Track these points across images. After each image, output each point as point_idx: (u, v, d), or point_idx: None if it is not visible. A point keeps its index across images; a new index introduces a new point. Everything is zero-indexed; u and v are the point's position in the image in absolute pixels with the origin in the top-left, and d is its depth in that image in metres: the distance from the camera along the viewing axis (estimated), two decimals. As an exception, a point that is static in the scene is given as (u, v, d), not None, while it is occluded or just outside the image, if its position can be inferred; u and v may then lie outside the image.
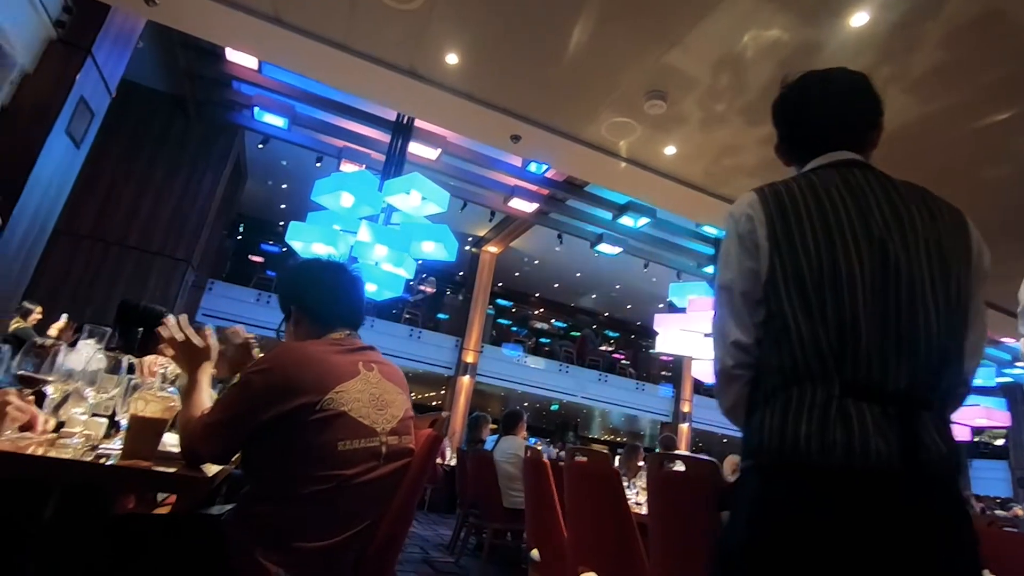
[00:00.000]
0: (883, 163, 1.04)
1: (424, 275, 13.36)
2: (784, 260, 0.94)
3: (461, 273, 14.14)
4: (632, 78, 2.90)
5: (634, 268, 11.19)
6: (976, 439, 13.22)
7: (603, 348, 16.54)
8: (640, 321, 16.44)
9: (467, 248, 12.69)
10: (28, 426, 1.28)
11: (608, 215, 9.26)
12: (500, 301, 15.91)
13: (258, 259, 13.36)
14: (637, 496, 3.33)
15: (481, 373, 12.30)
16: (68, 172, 4.26)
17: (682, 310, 6.30)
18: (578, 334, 16.47)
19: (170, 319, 1.52)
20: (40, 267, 4.31)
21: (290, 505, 1.20)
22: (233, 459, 1.32)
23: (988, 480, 13.39)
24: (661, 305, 10.94)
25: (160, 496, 2.07)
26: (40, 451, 1.16)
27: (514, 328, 15.92)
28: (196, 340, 1.49)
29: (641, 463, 5.13)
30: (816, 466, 0.85)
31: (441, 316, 13.99)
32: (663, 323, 6.29)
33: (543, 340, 15.91)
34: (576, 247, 10.65)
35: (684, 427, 13.77)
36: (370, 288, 5.06)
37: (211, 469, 1.26)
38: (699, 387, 13.71)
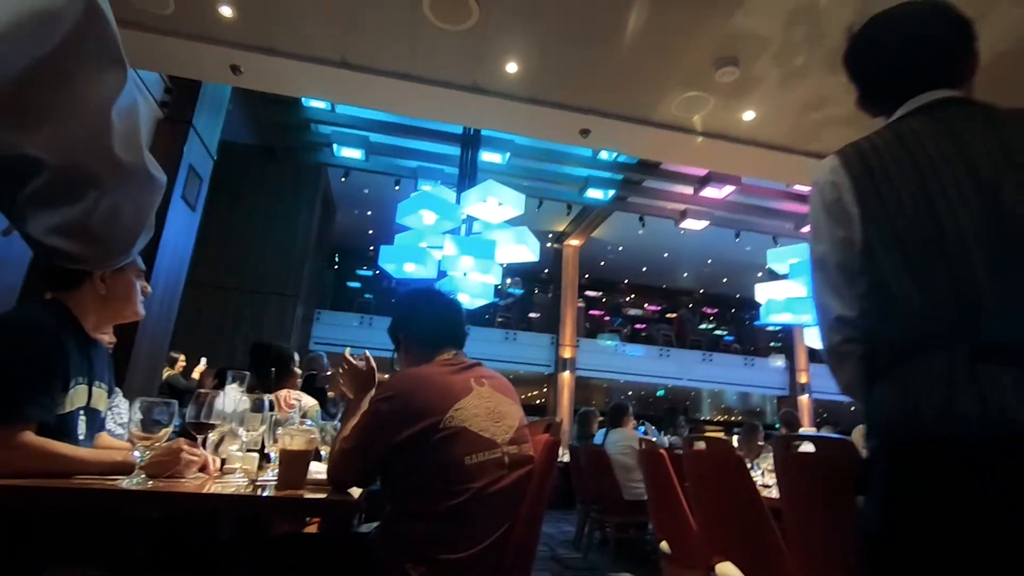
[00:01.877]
0: (1000, 87, 0.92)
1: (511, 278, 13.55)
2: (879, 224, 0.86)
3: (546, 270, 14.20)
4: (698, 51, 2.79)
5: (725, 239, 10.69)
6: None
7: (703, 327, 15.92)
8: (739, 293, 15.66)
9: (549, 245, 12.72)
10: (202, 467, 1.46)
11: (689, 189, 8.92)
12: (589, 293, 15.78)
13: (355, 285, 14.18)
14: (764, 478, 3.19)
15: (580, 367, 12.28)
16: (188, 232, 4.76)
17: (784, 276, 5.95)
18: (674, 315, 15.97)
19: (346, 352, 1.68)
20: (175, 319, 4.85)
21: (430, 521, 1.28)
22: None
23: None
24: (760, 274, 10.35)
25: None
26: (215, 488, 1.33)
27: (607, 318, 15.73)
28: (361, 366, 1.63)
29: (762, 442, 4.90)
30: (946, 440, 0.77)
31: (533, 315, 14.13)
32: (765, 292, 5.97)
33: (639, 326, 15.58)
34: (660, 227, 10.35)
35: (804, 399, 12.95)
36: (462, 298, 5.23)
37: (355, 492, 1.38)
38: (815, 355, 12.82)
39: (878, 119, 1.06)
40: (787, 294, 5.81)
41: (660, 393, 16.45)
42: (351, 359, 1.65)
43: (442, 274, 5.28)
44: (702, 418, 20.39)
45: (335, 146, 8.22)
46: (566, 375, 11.88)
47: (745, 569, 1.97)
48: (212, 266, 8.22)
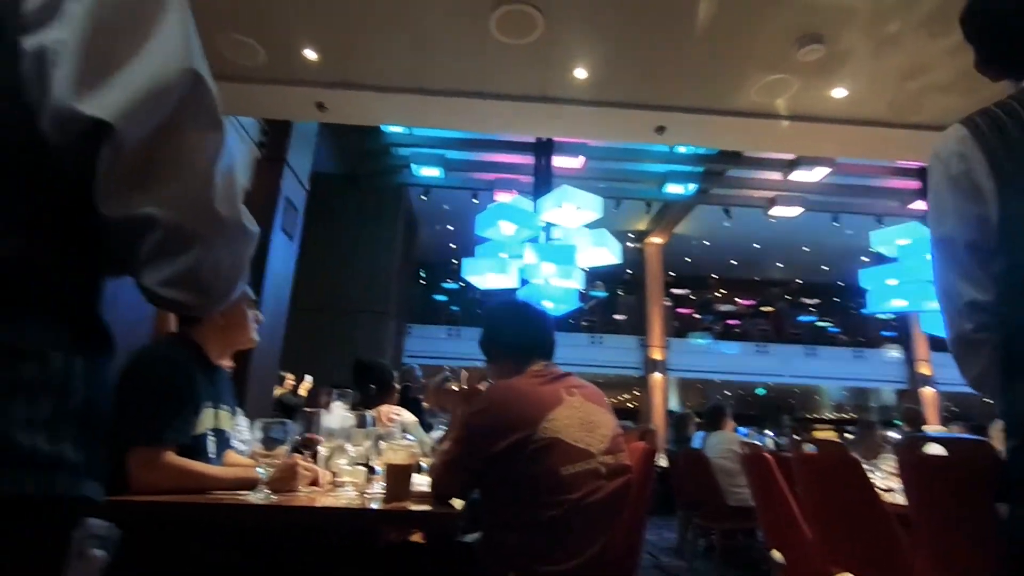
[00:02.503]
0: None
1: (592, 280, 13.42)
2: (1017, 196, 0.78)
3: (629, 271, 13.92)
4: (776, 32, 2.64)
5: (821, 224, 9.99)
6: None
7: (803, 319, 14.93)
8: (842, 280, 14.55)
9: (630, 244, 12.47)
10: (314, 481, 1.57)
11: (777, 175, 8.43)
12: (676, 291, 15.29)
13: (442, 298, 14.64)
14: (884, 480, 2.93)
15: (672, 368, 11.90)
16: (288, 260, 5.14)
17: (892, 260, 5.48)
18: (770, 308, 15.09)
19: (463, 373, 1.75)
20: (282, 341, 5.23)
21: (531, 532, 1.30)
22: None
23: None
24: (865, 258, 9.56)
25: (413, 525, 2.38)
26: (328, 501, 1.42)
27: (697, 315, 15.16)
28: (466, 385, 1.70)
29: (881, 442, 4.51)
30: None
31: (618, 317, 13.89)
32: (872, 278, 5.52)
33: (732, 322, 14.88)
34: (747, 217, 9.86)
35: (928, 393, 11.75)
36: (546, 305, 5.25)
37: (457, 503, 1.43)
38: (937, 343, 11.61)
39: (1000, 84, 0.95)
40: (899, 278, 5.34)
41: (760, 392, 15.58)
42: (456, 382, 1.71)
43: (524, 282, 5.34)
44: (809, 416, 19.07)
45: (414, 166, 8.57)
46: (657, 377, 11.56)
47: (871, 582, 1.82)
48: (310, 290, 8.78)
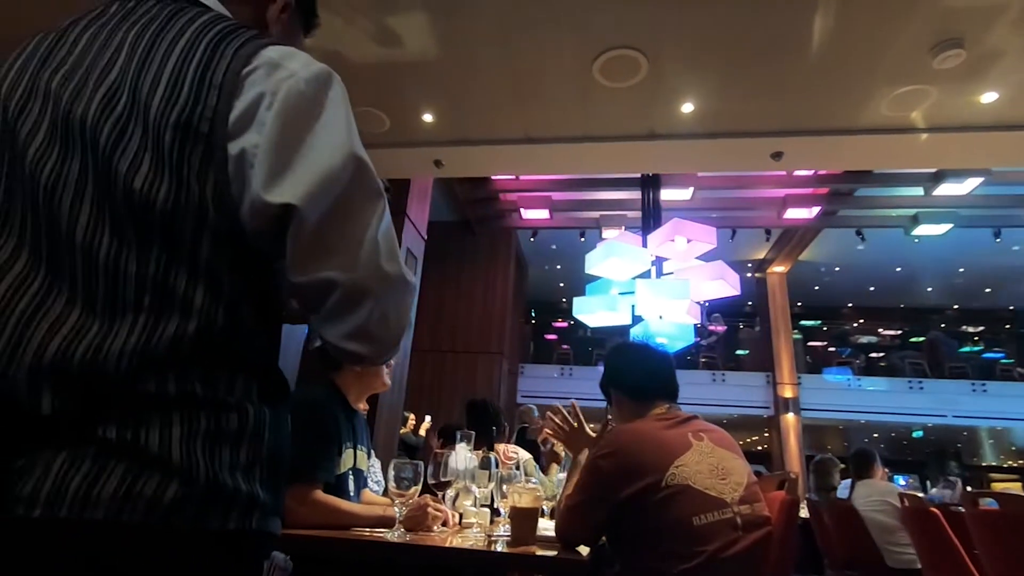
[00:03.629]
0: None
1: (710, 314, 12.77)
2: None
3: (750, 303, 13.09)
4: (905, 41, 2.45)
5: (979, 241, 8.77)
6: None
7: (964, 350, 13.03)
8: (1013, 305, 12.59)
9: (749, 275, 11.77)
10: (444, 522, 1.63)
11: (918, 190, 7.58)
12: (805, 323, 14.08)
13: (552, 337, 14.67)
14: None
15: (806, 407, 10.85)
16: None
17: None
18: (922, 339, 13.36)
19: (562, 409, 1.78)
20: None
21: (663, 583, 1.24)
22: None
23: None
24: (1040, 278, 8.22)
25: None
26: (457, 542, 1.46)
27: (832, 349, 13.79)
28: (574, 421, 1.71)
29: (1085, 497, 3.76)
30: None
31: (740, 352, 13.02)
32: (1053, 303, 4.72)
33: (875, 356, 13.35)
34: (885, 239, 8.92)
35: None
36: (661, 343, 5.07)
37: (584, 550, 1.41)
38: None
39: None
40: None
41: (917, 434, 13.67)
42: (559, 415, 1.71)
43: (637, 319, 5.22)
44: (983, 464, 16.31)
45: (521, 210, 8.83)
46: (790, 417, 10.59)
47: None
48: (429, 333, 9.23)
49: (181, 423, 0.55)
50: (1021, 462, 15.94)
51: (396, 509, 1.51)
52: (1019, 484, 14.97)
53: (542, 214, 8.93)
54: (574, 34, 2.57)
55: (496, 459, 2.08)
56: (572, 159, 3.43)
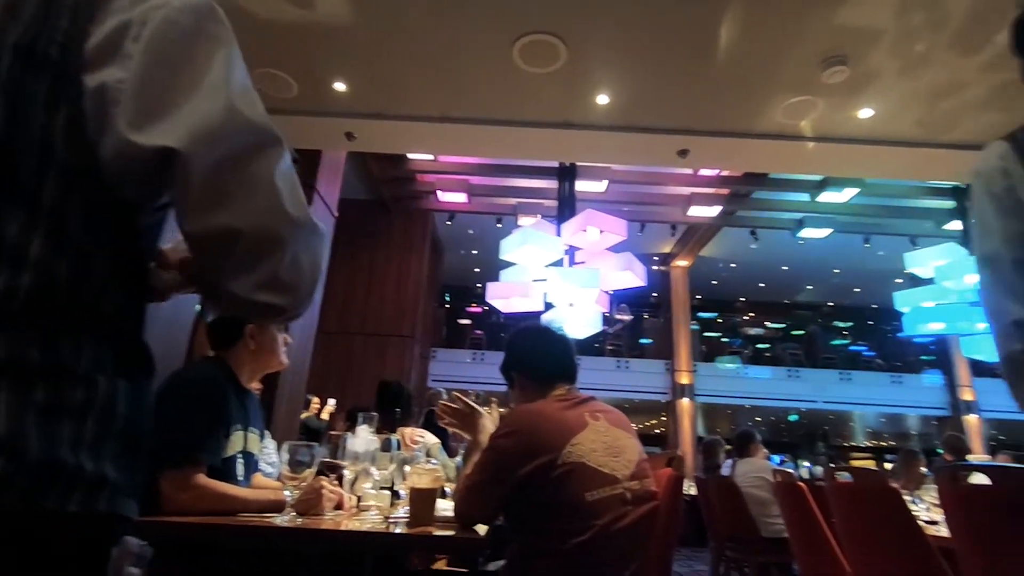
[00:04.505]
0: None
1: (618, 303, 13.31)
2: None
3: (655, 294, 13.79)
4: (800, 54, 2.65)
5: (852, 246, 9.76)
6: None
7: (836, 343, 14.52)
8: (876, 303, 14.17)
9: (655, 267, 12.38)
10: (339, 505, 1.58)
11: (805, 196, 8.31)
12: (702, 314, 15.06)
13: (466, 322, 14.68)
14: (928, 512, 2.80)
15: (700, 393, 11.65)
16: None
17: (929, 281, 5.33)
18: (802, 332, 14.73)
19: (459, 395, 1.78)
20: (309, 364, 5.30)
21: (556, 559, 1.27)
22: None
23: None
24: (899, 280, 9.32)
25: (437, 552, 2.35)
26: (353, 525, 1.42)
27: (725, 339, 14.86)
28: (465, 407, 1.71)
29: (924, 470, 4.33)
30: None
31: (644, 341, 13.72)
32: (907, 300, 5.37)
33: (762, 346, 14.55)
34: (775, 239, 9.71)
35: (972, 420, 11.24)
36: (570, 329, 5.22)
37: (482, 529, 1.41)
38: (979, 368, 11.14)
39: None
40: (935, 300, 5.19)
41: (793, 418, 15.11)
42: (456, 401, 1.71)
43: (548, 306, 5.33)
44: (846, 444, 18.37)
45: (438, 192, 8.71)
46: (685, 402, 11.32)
47: (915, 620, 1.73)
48: (338, 314, 8.91)
49: (10, 391, 0.48)
50: (876, 442, 18.11)
51: (287, 492, 1.44)
52: (874, 461, 17.00)
53: (460, 198, 8.86)
54: (496, 13, 2.54)
55: (398, 441, 2.05)
56: (489, 142, 3.41)
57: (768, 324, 15.94)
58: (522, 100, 3.04)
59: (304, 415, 5.90)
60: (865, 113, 3.00)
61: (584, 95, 2.96)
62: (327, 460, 1.70)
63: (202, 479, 1.40)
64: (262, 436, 1.89)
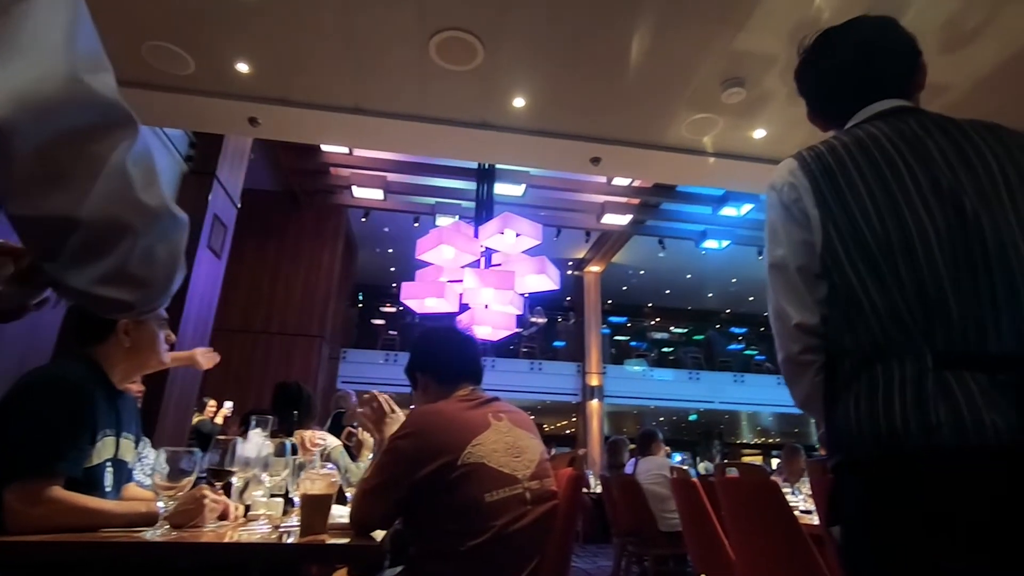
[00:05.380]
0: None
1: (533, 307, 13.53)
2: (840, 226, 0.84)
3: (568, 298, 14.16)
4: (703, 72, 2.81)
5: (748, 257, 10.55)
6: None
7: (732, 347, 15.60)
8: (767, 312, 15.32)
9: (570, 272, 12.71)
10: (223, 515, 1.47)
11: (707, 209, 8.88)
12: (613, 319, 15.65)
13: (380, 322, 14.32)
14: (805, 503, 3.06)
15: (609, 394, 12.08)
16: (215, 279, 4.89)
17: (811, 292, 5.83)
18: (702, 337, 15.69)
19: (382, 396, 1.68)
20: (207, 366, 4.93)
21: (454, 562, 1.25)
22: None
23: None
24: (786, 290, 10.13)
25: (337, 561, 2.25)
26: (237, 536, 1.32)
27: (633, 343, 15.53)
28: (384, 407, 1.63)
29: (804, 465, 4.73)
30: (921, 451, 0.73)
31: (558, 344, 14.03)
32: (793, 310, 5.85)
33: (666, 350, 15.34)
34: (680, 249, 10.29)
35: (843, 417, 12.48)
36: (484, 331, 5.23)
37: (379, 535, 1.36)
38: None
39: (828, 131, 1.06)
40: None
41: (693, 417, 16.05)
42: (377, 400, 1.65)
43: (464, 307, 5.31)
44: (739, 442, 19.78)
45: (353, 188, 8.44)
46: (594, 403, 11.70)
47: (789, 602, 1.88)
48: (241, 311, 8.39)
49: None
50: (765, 439, 19.63)
51: (160, 503, 1.31)
52: (762, 456, 18.41)
53: (376, 194, 8.62)
54: (414, 6, 2.48)
55: (294, 445, 1.94)
56: (405, 138, 3.33)
57: (672, 329, 16.85)
58: (439, 97, 3.00)
59: (197, 418, 5.48)
60: (759, 133, 3.23)
61: (501, 96, 2.97)
62: (212, 467, 1.57)
63: (57, 491, 1.24)
64: (138, 442, 1.72)
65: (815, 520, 2.15)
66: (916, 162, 0.83)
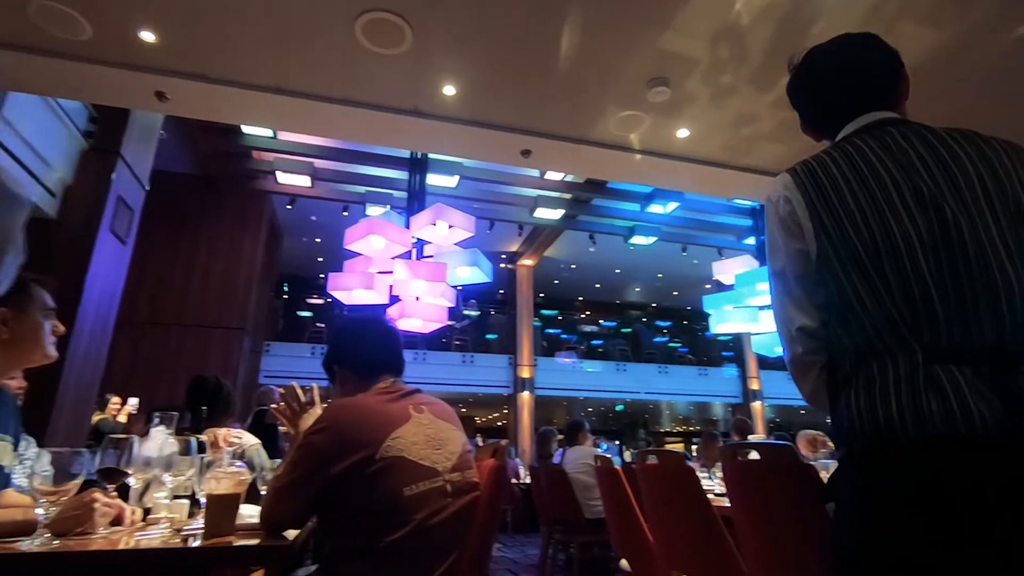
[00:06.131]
0: (910, 108, 0.99)
1: (466, 299, 13.48)
2: (832, 236, 0.91)
3: (501, 291, 14.21)
4: (630, 70, 2.87)
5: (673, 254, 10.99)
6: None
7: (657, 340, 16.23)
8: (690, 306, 16.06)
9: (502, 266, 12.75)
10: (117, 520, 1.35)
11: (636, 206, 9.15)
12: (545, 312, 15.86)
13: (307, 314, 13.79)
14: (720, 487, 3.22)
15: (539, 386, 12.26)
16: (119, 267, 4.52)
17: (730, 287, 6.14)
18: (630, 330, 16.22)
19: (296, 387, 1.59)
20: (109, 359, 4.56)
21: (372, 558, 1.21)
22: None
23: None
24: (708, 286, 10.66)
25: (251, 563, 2.14)
26: (132, 543, 1.22)
27: (564, 336, 15.82)
28: (303, 398, 1.55)
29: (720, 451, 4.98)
30: (915, 441, 0.79)
31: (490, 337, 14.07)
32: (713, 303, 6.15)
33: (595, 342, 15.74)
34: (610, 244, 10.54)
35: (757, 406, 13.30)
36: (415, 323, 5.15)
37: (292, 534, 1.30)
38: (764, 362, 13.22)
39: (821, 141, 1.13)
40: (733, 304, 6.00)
41: (619, 408, 16.59)
42: (297, 392, 1.57)
43: (394, 299, 5.20)
44: (662, 430, 20.65)
45: (279, 173, 8.05)
46: (525, 395, 11.83)
47: (702, 581, 1.97)
48: (151, 302, 7.85)
49: None
50: (686, 427, 20.61)
51: (40, 510, 1.19)
52: (683, 444, 19.33)
53: (303, 181, 8.26)
54: (339, -17, 2.38)
55: (201, 443, 1.82)
56: (332, 122, 3.19)
57: (602, 322, 17.31)
58: (367, 81, 2.89)
59: (97, 417, 5.06)
60: (682, 133, 3.35)
61: (431, 83, 2.90)
62: (106, 468, 1.45)
63: (-90, 501, 1.10)
64: (16, 443, 1.56)
65: (727, 503, 2.27)
66: (900, 172, 0.90)
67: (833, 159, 0.96)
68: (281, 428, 2.66)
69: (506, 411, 13.74)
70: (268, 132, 7.57)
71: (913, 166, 0.90)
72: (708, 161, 3.61)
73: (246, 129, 7.41)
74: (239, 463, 1.47)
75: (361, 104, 3.01)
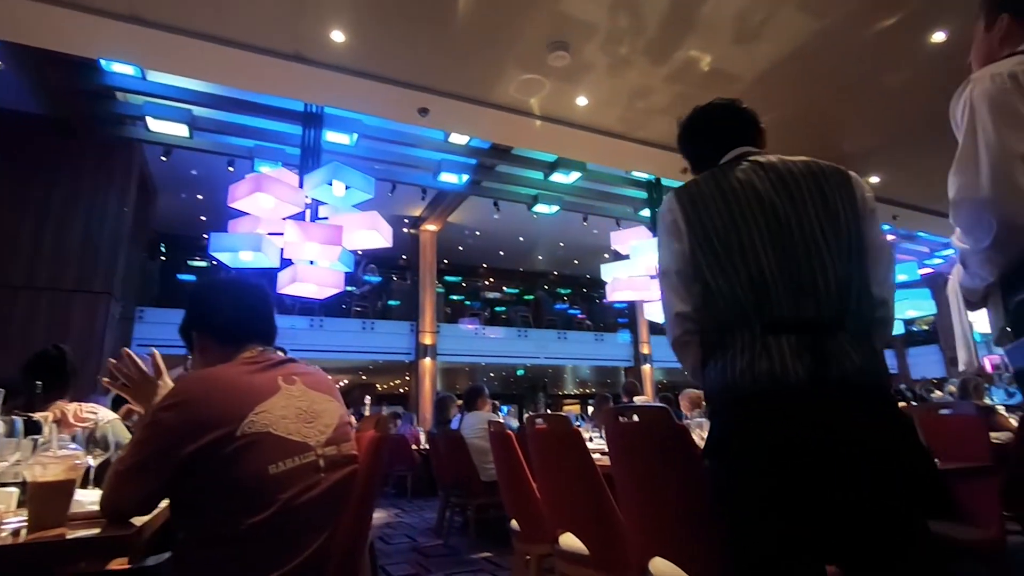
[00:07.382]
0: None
1: (366, 264, 13.03)
2: (698, 237, 1.16)
3: (404, 256, 13.89)
4: (531, 31, 2.81)
5: (574, 223, 11.24)
6: (910, 328, 14.18)
7: (558, 307, 16.71)
8: (589, 274, 16.64)
9: (405, 230, 12.43)
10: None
11: (539, 175, 9.20)
12: (448, 278, 15.75)
13: (188, 278, 12.67)
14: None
15: (442, 352, 12.23)
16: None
17: (626, 257, 6.39)
18: (532, 297, 16.55)
19: (124, 351, 1.42)
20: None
21: (232, 544, 1.11)
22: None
23: (924, 364, 14.61)
24: (606, 255, 11.07)
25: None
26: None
27: (467, 302, 15.83)
28: (136, 372, 1.40)
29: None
30: (750, 395, 1.03)
31: (392, 303, 13.74)
32: (610, 272, 6.37)
33: (498, 309, 15.91)
34: (514, 212, 10.59)
35: (647, 369, 14.19)
36: (310, 289, 4.88)
37: (139, 521, 1.17)
38: (655, 328, 14.07)
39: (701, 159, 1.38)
40: (629, 273, 6.26)
41: (520, 372, 17.02)
42: (133, 362, 1.40)
43: (286, 263, 4.88)
44: (561, 393, 21.52)
45: (149, 119, 7.19)
46: (427, 362, 11.77)
47: (583, 537, 2.05)
48: (-3, 263, 6.84)
49: None
50: (583, 390, 21.61)
51: None
52: (579, 406, 20.29)
53: (179, 130, 7.45)
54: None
55: (35, 423, 1.60)
56: (201, 60, 2.84)
57: (505, 289, 17.51)
58: (240, 16, 2.59)
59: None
60: (581, 101, 3.36)
61: (317, 26, 2.66)
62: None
63: None
64: None
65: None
66: (748, 186, 1.16)
67: (705, 180, 1.22)
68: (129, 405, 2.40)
69: (408, 378, 13.62)
70: (136, 71, 6.69)
71: (759, 180, 1.16)
72: (606, 131, 3.66)
73: (107, 66, 6.50)
74: (72, 445, 1.29)
75: (233, 43, 2.70)
